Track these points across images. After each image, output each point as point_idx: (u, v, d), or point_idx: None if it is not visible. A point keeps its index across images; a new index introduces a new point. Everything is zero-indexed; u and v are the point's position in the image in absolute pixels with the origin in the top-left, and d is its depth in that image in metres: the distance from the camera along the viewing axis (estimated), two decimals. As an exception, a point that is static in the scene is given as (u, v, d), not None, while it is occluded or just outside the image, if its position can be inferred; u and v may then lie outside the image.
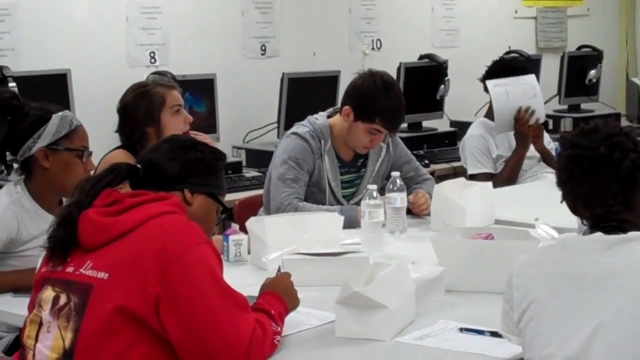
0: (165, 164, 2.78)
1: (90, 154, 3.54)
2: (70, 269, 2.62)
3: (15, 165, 3.52)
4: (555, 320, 2.38)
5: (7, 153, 3.49)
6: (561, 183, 2.52)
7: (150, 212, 2.61)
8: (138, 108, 4.06)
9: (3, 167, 3.57)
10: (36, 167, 3.46)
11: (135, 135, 4.09)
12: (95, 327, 2.52)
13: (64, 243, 2.64)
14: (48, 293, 2.63)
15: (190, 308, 2.51)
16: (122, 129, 4.13)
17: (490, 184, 4.45)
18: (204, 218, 2.80)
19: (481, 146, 5.53)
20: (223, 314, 2.53)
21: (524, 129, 5.43)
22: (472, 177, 5.42)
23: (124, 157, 3.91)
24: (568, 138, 2.53)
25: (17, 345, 2.95)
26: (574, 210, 2.53)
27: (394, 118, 4.29)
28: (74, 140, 3.48)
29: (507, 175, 5.41)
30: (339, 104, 4.80)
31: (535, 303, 2.42)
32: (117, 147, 4.16)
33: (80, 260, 2.61)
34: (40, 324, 2.62)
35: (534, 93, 5.49)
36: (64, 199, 3.42)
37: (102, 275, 2.55)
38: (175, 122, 4.06)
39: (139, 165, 2.79)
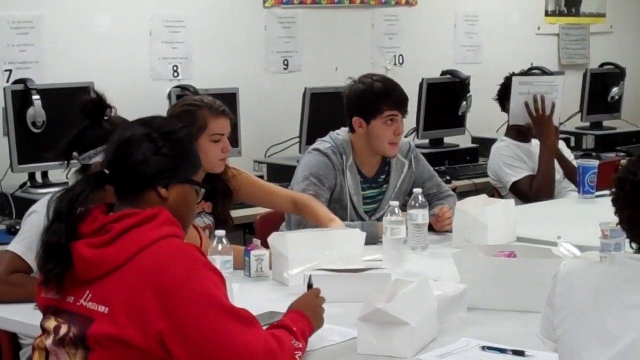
0: (130, 170, 2.65)
1: None
2: (70, 299, 2.60)
3: (75, 169, 3.60)
4: (593, 329, 2.38)
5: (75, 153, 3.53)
6: (613, 204, 2.52)
7: (142, 242, 2.55)
8: None
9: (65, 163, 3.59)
10: None
11: None
12: (101, 357, 2.54)
13: (58, 275, 2.58)
14: (50, 323, 2.64)
15: (198, 336, 2.50)
16: None
17: (512, 201, 4.43)
18: (184, 207, 2.71)
19: (512, 153, 5.54)
20: (232, 334, 2.52)
21: (542, 117, 5.47)
22: (516, 185, 5.42)
23: None
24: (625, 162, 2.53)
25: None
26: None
27: (398, 95, 4.34)
28: None
29: (543, 173, 5.38)
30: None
31: (576, 312, 2.41)
32: None
33: (80, 290, 2.58)
34: (48, 352, 2.66)
35: (555, 95, 5.55)
36: None
37: (103, 309, 2.53)
38: (212, 150, 3.87)
39: (106, 171, 2.67)
